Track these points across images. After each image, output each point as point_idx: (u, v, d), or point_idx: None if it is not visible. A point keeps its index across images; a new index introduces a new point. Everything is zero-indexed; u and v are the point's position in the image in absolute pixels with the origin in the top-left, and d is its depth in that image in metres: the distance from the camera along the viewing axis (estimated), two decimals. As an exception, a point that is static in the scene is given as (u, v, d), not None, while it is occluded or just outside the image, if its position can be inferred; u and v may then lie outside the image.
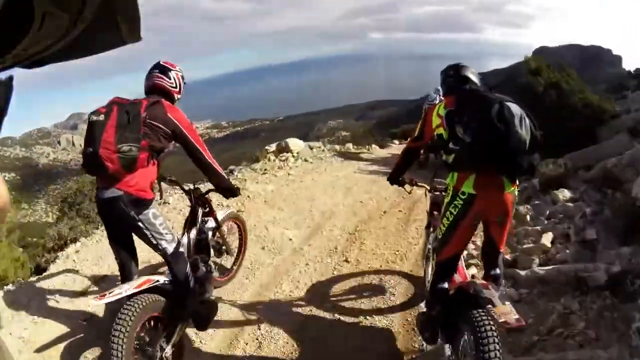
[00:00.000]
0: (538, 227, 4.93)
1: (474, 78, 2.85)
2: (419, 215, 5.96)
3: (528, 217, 5.42)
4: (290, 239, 5.44)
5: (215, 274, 4.12)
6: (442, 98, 3.14)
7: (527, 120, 2.34)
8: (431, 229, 3.76)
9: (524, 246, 4.58)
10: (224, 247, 4.21)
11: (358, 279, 4.49)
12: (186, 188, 3.61)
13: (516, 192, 2.63)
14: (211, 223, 3.84)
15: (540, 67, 11.81)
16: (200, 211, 3.64)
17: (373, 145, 15.17)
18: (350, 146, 14.12)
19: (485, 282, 2.57)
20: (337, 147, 13.68)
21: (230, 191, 3.44)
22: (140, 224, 2.93)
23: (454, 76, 2.88)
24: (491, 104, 2.33)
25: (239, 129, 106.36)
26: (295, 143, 11.50)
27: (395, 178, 3.50)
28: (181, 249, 3.18)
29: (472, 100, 2.50)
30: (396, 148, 14.25)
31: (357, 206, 6.69)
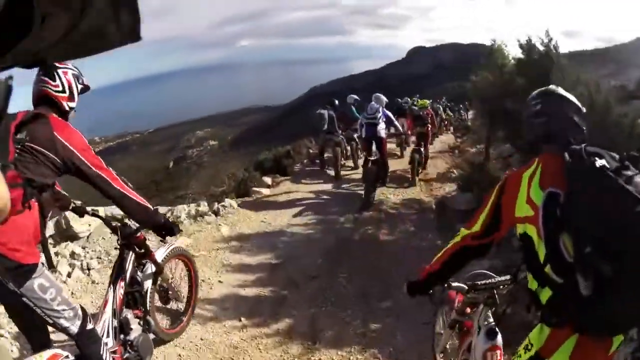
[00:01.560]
0: None
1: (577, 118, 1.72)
2: None
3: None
4: None
5: (166, 323, 3.62)
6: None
7: None
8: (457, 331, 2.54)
9: None
10: (170, 293, 3.45)
11: None
12: (113, 224, 2.80)
13: None
14: (150, 268, 3.04)
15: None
16: (131, 255, 2.83)
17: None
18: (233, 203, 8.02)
19: None
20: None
21: (164, 228, 2.73)
22: (24, 299, 2.09)
23: (552, 116, 1.74)
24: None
25: (111, 144, 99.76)
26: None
27: (427, 285, 2.12)
28: (89, 325, 2.38)
29: (605, 188, 1.42)
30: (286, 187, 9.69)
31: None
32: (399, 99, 16.04)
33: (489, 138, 9.74)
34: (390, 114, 9.21)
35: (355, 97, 11.55)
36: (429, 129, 10.79)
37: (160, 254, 3.16)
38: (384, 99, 9.00)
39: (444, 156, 13.52)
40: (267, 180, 10.16)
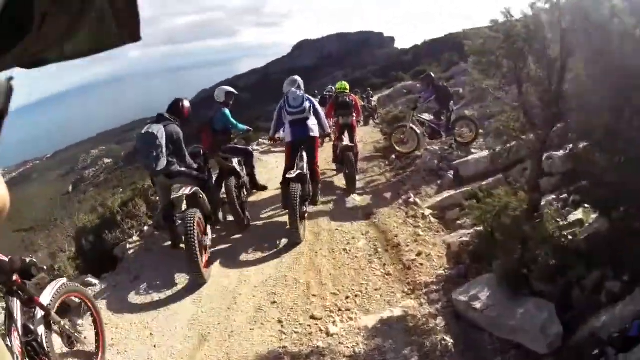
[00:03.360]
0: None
1: None
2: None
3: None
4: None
5: None
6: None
7: None
8: None
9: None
10: (71, 335, 3.15)
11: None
12: None
13: None
14: (39, 312, 2.76)
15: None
16: (16, 302, 2.61)
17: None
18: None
19: None
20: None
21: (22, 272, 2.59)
22: None
23: None
24: None
25: (14, 174, 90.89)
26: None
27: None
28: None
29: None
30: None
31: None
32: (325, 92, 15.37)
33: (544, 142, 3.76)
34: (316, 103, 6.30)
35: (229, 89, 6.89)
36: (354, 119, 8.47)
37: (46, 296, 2.88)
38: (301, 81, 6.40)
39: (379, 167, 9.40)
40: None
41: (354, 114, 8.40)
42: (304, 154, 5.95)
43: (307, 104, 5.96)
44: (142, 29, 0.54)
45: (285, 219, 5.94)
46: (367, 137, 13.62)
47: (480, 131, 9.14)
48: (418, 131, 9.06)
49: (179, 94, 6.25)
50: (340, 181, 8.17)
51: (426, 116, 9.68)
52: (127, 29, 0.53)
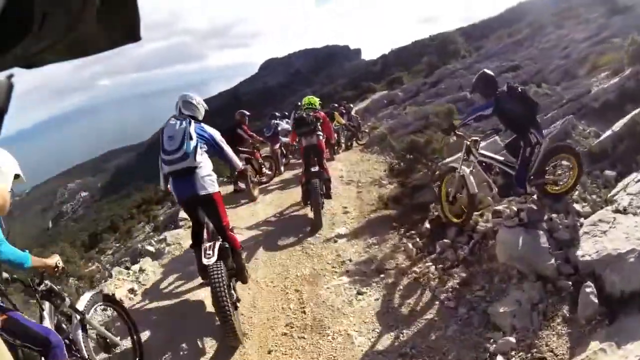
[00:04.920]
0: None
1: None
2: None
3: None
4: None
5: None
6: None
7: None
8: None
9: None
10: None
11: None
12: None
13: None
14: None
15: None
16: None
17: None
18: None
19: None
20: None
21: None
22: None
23: None
24: None
25: None
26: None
27: None
28: None
29: None
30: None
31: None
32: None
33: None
34: (217, 135, 4.17)
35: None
36: (322, 139, 6.81)
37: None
38: (194, 100, 4.22)
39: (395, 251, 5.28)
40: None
41: (320, 133, 6.74)
42: (206, 219, 4.16)
43: (191, 144, 3.87)
44: (133, 36, 0.54)
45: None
46: (358, 168, 9.82)
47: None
48: (477, 181, 4.92)
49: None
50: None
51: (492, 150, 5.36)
52: (127, 29, 0.53)
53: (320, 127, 6.76)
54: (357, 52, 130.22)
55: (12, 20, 0.45)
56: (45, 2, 0.46)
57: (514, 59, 19.24)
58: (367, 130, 15.36)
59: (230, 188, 9.65)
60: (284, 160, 11.68)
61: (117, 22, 0.52)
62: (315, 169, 6.46)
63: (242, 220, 7.28)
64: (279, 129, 11.10)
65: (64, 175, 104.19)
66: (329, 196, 6.96)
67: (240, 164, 4.79)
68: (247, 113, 9.79)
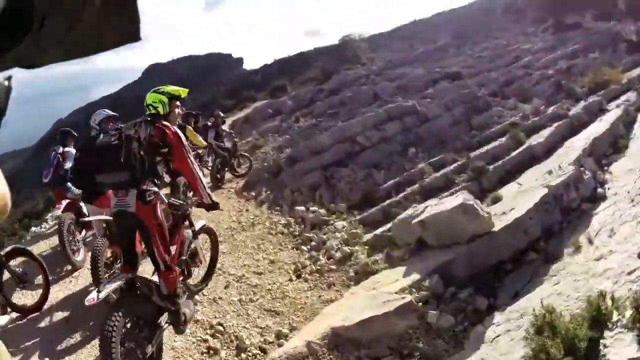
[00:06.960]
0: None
1: None
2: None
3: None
4: None
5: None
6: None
7: None
8: None
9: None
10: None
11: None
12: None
13: None
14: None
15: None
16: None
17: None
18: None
19: None
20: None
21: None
22: None
23: None
24: None
25: None
26: None
27: None
28: None
29: None
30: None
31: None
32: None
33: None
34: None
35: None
36: (156, 203, 3.03)
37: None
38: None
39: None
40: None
41: (156, 182, 3.34)
42: None
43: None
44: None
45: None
46: (231, 258, 5.59)
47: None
48: None
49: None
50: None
51: None
52: (127, 29, 0.54)
53: (158, 166, 3.31)
54: (239, 61, 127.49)
55: (12, 21, 0.45)
56: (45, 3, 0.46)
57: (446, 66, 15.54)
58: (246, 154, 10.69)
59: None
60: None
61: (117, 22, 0.53)
62: (141, 282, 3.26)
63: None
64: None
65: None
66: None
67: None
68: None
